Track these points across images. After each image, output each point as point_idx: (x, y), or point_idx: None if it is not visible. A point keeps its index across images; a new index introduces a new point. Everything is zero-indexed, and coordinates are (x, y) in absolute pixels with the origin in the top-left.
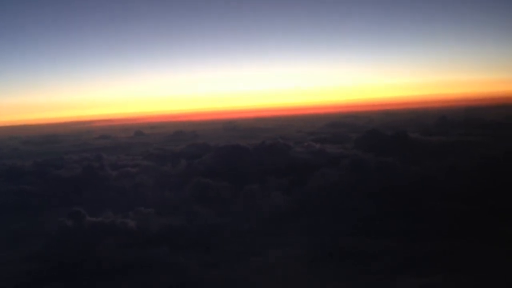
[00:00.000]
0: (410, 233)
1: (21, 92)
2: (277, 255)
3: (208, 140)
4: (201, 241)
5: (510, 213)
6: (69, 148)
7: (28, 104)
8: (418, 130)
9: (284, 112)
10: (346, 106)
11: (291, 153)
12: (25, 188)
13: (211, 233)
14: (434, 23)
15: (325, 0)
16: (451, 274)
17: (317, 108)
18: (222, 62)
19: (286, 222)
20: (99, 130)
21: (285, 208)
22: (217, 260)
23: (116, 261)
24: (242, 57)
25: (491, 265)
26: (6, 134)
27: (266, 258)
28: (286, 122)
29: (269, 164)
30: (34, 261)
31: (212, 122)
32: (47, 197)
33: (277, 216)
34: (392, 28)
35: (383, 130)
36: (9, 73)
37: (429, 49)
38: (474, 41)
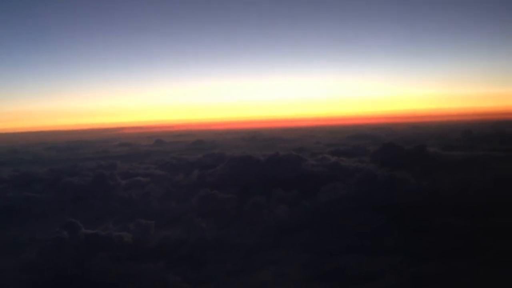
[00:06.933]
0: (412, 251)
1: (53, 98)
2: (272, 273)
3: (227, 150)
4: (196, 256)
5: None
6: (88, 155)
7: (59, 110)
8: (440, 144)
9: (309, 123)
10: (372, 117)
11: (303, 165)
12: (32, 195)
13: (209, 247)
14: (463, 35)
15: (351, 12)
16: None
17: (343, 119)
18: (250, 71)
19: (288, 237)
20: (122, 138)
21: (288, 222)
22: (208, 277)
23: (106, 275)
24: (269, 67)
25: None
26: (32, 139)
27: (260, 276)
28: (308, 133)
29: (279, 176)
30: (24, 271)
31: (236, 132)
32: (52, 205)
33: (279, 230)
34: (421, 39)
35: (404, 143)
36: (40, 79)
37: (459, 61)
38: (503, 54)
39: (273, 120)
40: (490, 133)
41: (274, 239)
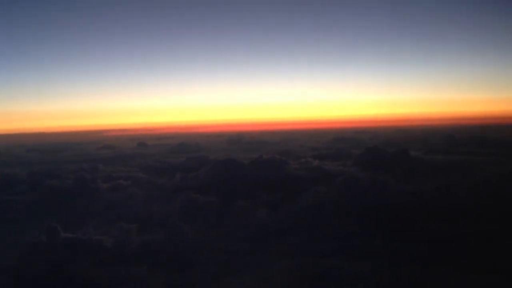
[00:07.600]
0: (391, 256)
1: (36, 100)
2: (256, 276)
3: (210, 153)
4: (179, 260)
5: (503, 238)
6: (70, 157)
7: (41, 112)
8: (423, 148)
9: (292, 126)
10: (355, 121)
11: (286, 169)
12: (12, 198)
13: (192, 251)
14: (445, 41)
15: (334, 16)
16: None
17: (326, 123)
18: (234, 74)
19: (272, 240)
20: (105, 140)
21: (272, 226)
22: (192, 281)
23: (86, 280)
24: (254, 70)
25: None
26: (14, 141)
27: (244, 279)
28: (292, 136)
29: (262, 180)
30: (2, 276)
31: (220, 134)
32: (33, 208)
33: (261, 234)
34: (403, 44)
35: (387, 147)
36: (22, 81)
37: (441, 66)
38: (486, 59)
39: (257, 123)
40: (472, 138)
41: (258, 242)
